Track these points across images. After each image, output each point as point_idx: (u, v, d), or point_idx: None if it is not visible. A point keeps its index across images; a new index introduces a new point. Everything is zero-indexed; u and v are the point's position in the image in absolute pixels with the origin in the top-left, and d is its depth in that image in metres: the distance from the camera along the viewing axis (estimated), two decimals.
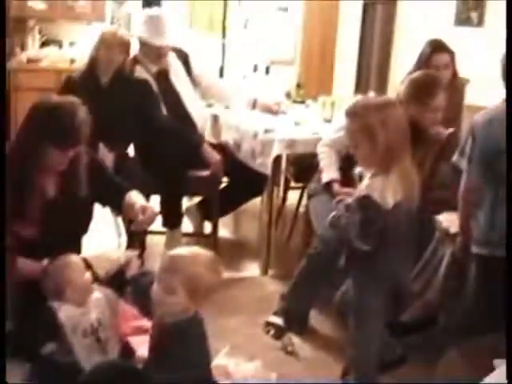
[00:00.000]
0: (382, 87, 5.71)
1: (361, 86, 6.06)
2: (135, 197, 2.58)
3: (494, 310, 2.47)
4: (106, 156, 3.51)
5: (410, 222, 2.43)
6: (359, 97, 2.77)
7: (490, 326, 2.33)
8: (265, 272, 3.89)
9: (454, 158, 2.61)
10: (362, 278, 2.49)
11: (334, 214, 2.45)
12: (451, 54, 3.75)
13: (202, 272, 1.96)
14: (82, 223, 2.59)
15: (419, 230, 3.05)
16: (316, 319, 3.29)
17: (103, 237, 4.00)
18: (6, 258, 2.08)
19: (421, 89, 3.06)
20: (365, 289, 2.48)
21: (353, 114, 2.39)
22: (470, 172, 2.57)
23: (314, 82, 6.29)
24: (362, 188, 2.36)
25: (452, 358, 2.33)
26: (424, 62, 3.69)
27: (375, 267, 2.43)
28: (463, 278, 2.81)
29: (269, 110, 4.22)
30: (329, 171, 3.25)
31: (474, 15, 4.82)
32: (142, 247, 3.61)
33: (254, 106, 4.24)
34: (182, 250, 2.06)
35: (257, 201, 4.24)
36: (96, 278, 2.37)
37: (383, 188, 2.29)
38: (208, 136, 4.32)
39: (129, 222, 2.77)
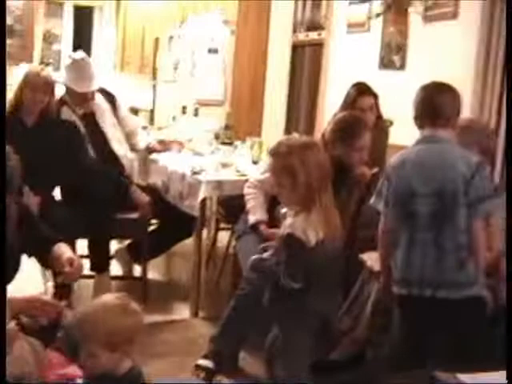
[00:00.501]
0: (310, 128, 5.82)
1: (290, 127, 6.16)
2: (63, 248, 2.54)
3: (416, 347, 2.53)
4: (31, 199, 3.45)
5: (336, 260, 2.48)
6: (283, 137, 2.87)
7: (413, 363, 2.37)
8: (195, 314, 3.87)
9: (372, 199, 2.66)
10: (288, 317, 2.51)
11: (255, 257, 2.52)
12: (375, 96, 3.88)
13: (114, 321, 1.86)
14: (8, 273, 2.52)
15: (346, 268, 3.13)
16: (246, 360, 3.29)
17: (29, 283, 3.91)
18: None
19: (345, 129, 3.16)
20: (291, 328, 2.50)
21: (276, 153, 2.49)
22: (386, 214, 2.62)
23: (243, 123, 6.37)
24: (285, 227, 2.43)
25: None
26: (349, 104, 3.80)
27: (301, 306, 2.45)
28: (389, 315, 2.87)
29: (168, 149, 4.27)
30: (255, 212, 3.28)
31: (396, 59, 4.98)
32: (68, 293, 3.54)
33: (149, 150, 4.29)
34: (87, 309, 1.93)
35: (189, 242, 4.25)
36: (22, 327, 2.30)
37: (305, 226, 2.36)
38: (136, 178, 4.31)
39: (56, 274, 2.71)
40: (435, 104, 2.55)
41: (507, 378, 1.82)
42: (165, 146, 4.32)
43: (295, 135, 2.89)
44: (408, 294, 2.53)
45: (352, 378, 2.94)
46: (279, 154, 2.47)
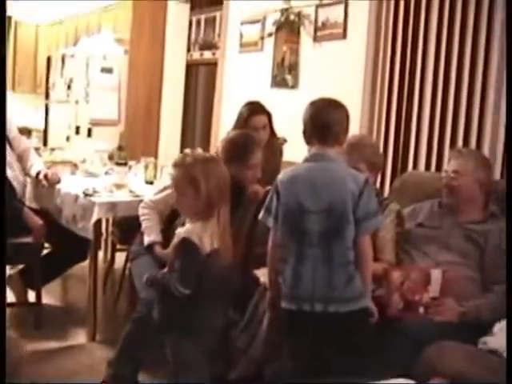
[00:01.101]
0: (206, 147, 5.84)
1: (186, 147, 6.16)
2: None
3: (309, 361, 2.59)
4: None
5: (227, 274, 2.50)
6: (187, 150, 2.90)
7: (309, 378, 2.41)
8: (92, 338, 3.79)
9: (261, 215, 2.68)
10: (178, 328, 2.51)
11: (148, 274, 2.54)
12: (268, 115, 3.93)
13: None
14: None
15: (242, 285, 3.15)
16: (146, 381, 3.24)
17: None
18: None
19: (237, 148, 3.19)
20: (180, 341, 2.50)
21: (180, 164, 2.57)
22: (275, 229, 2.64)
23: (139, 143, 6.33)
24: (181, 232, 2.49)
25: None
26: (242, 123, 3.83)
27: (191, 316, 2.47)
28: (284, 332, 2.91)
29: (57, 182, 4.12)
30: (150, 233, 3.26)
31: (289, 78, 5.09)
32: None
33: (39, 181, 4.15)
34: None
35: (85, 265, 4.16)
36: None
37: (201, 232, 2.43)
38: (28, 201, 4.19)
39: None
40: (323, 121, 2.57)
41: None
42: (53, 179, 4.12)
43: (199, 149, 2.92)
44: (298, 310, 2.55)
45: None
46: (184, 165, 2.55)
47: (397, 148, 4.15)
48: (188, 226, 2.53)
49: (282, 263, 2.60)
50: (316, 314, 2.53)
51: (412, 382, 2.20)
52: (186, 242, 2.46)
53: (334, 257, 2.50)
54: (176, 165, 2.60)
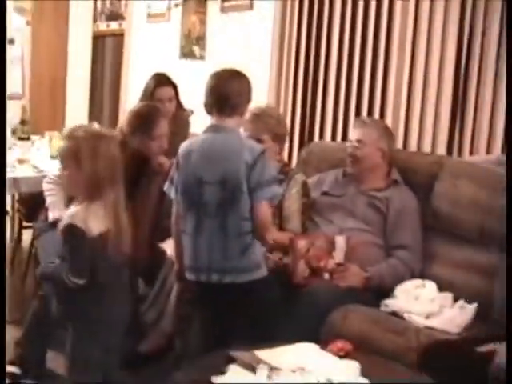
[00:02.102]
0: (114, 120, 5.76)
1: (94, 120, 6.04)
2: None
3: (216, 332, 2.64)
4: None
5: (123, 255, 2.41)
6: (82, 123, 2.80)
7: (218, 348, 2.43)
8: None
9: (165, 186, 2.70)
10: (76, 327, 2.40)
11: (42, 265, 2.44)
12: (174, 86, 3.90)
13: None
14: None
15: (150, 259, 3.15)
16: (56, 361, 3.20)
17: None
18: None
19: (141, 119, 3.17)
20: (80, 340, 2.39)
21: (69, 136, 2.38)
22: (177, 201, 2.66)
23: (44, 117, 6.16)
24: (65, 217, 2.33)
25: None
26: (148, 95, 3.79)
27: (90, 313, 2.37)
28: (193, 303, 2.93)
29: None
30: (54, 209, 3.21)
31: (196, 49, 5.07)
32: None
33: None
34: None
35: None
36: None
37: (86, 216, 2.28)
38: None
39: None
40: (222, 92, 2.58)
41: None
42: None
43: (95, 124, 2.82)
44: (196, 280, 2.59)
45: (160, 370, 2.96)
46: (72, 137, 2.36)
47: (304, 119, 4.20)
48: (72, 209, 2.35)
49: (184, 235, 2.61)
50: (214, 285, 2.56)
51: (315, 345, 2.27)
52: (69, 227, 2.28)
53: (229, 227, 2.53)
54: (65, 136, 2.40)
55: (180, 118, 3.89)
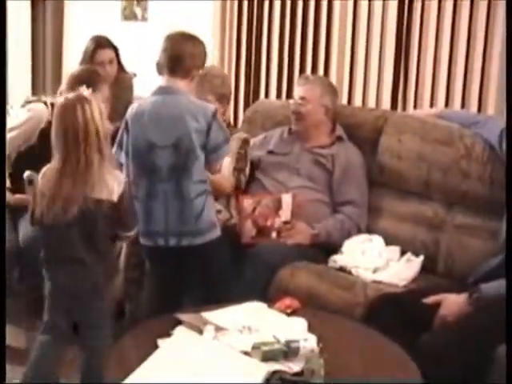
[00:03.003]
0: (57, 85, 5.61)
1: (37, 86, 5.89)
2: None
3: (171, 295, 2.63)
4: None
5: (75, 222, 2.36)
6: None
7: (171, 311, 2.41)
8: None
9: (113, 150, 2.63)
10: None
11: None
12: (115, 48, 3.80)
13: None
14: None
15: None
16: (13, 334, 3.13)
17: None
18: None
19: (80, 83, 3.04)
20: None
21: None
22: (128, 165, 2.60)
23: None
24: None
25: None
26: (88, 58, 3.69)
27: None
28: (142, 267, 2.90)
29: None
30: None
31: (138, 10, 4.94)
32: None
33: None
34: None
35: None
36: None
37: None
38: None
39: None
40: (175, 53, 2.56)
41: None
42: None
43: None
44: (154, 245, 2.57)
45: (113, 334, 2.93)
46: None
47: (248, 78, 4.15)
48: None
49: (136, 201, 2.56)
50: (171, 248, 2.55)
51: (263, 304, 2.26)
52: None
53: (183, 191, 2.50)
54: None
55: (122, 82, 3.80)
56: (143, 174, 2.54)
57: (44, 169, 2.34)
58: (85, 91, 2.35)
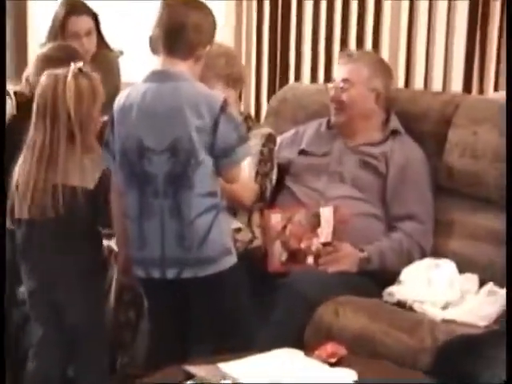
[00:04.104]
0: (21, 66, 5.66)
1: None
2: None
3: (174, 338, 2.67)
4: None
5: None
6: None
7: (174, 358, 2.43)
8: None
9: (101, 153, 2.64)
10: None
11: None
12: (94, 16, 3.78)
13: None
14: None
15: None
16: None
17: None
18: None
19: (52, 66, 3.10)
20: None
21: None
22: (115, 172, 2.61)
23: None
24: None
25: None
26: (59, 29, 3.68)
27: None
28: (138, 306, 2.94)
29: None
30: None
31: None
32: None
33: None
34: None
35: None
36: None
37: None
38: None
39: None
40: (175, 22, 2.53)
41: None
42: None
43: None
44: (147, 277, 2.58)
45: None
46: None
47: (273, 56, 4.17)
48: None
49: (127, 218, 2.59)
50: (171, 282, 2.55)
51: (299, 351, 2.28)
52: None
53: (183, 207, 2.49)
54: None
55: (104, 61, 3.76)
56: (134, 186, 2.54)
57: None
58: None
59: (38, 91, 2.60)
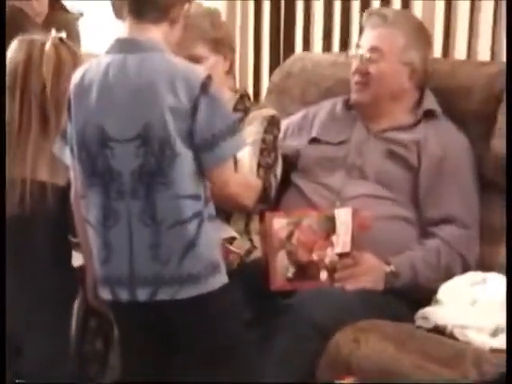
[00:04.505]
0: None
1: None
2: None
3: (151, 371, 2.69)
4: None
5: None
6: None
7: None
8: None
9: (55, 145, 2.64)
10: None
11: None
12: None
13: None
14: None
15: None
16: None
17: None
18: None
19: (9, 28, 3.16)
20: None
21: None
22: (74, 168, 2.60)
23: None
24: None
25: None
26: None
27: None
28: (108, 335, 2.99)
29: None
30: None
31: None
32: None
33: None
34: None
35: None
36: None
37: None
38: None
39: None
40: None
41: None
42: None
43: None
44: (114, 300, 2.58)
45: None
46: None
47: (276, 19, 4.17)
48: None
49: (88, 225, 2.59)
50: (143, 306, 2.53)
51: None
52: None
53: (157, 212, 2.48)
54: None
55: (60, 24, 3.80)
56: (95, 185, 2.52)
57: None
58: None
59: (7, 60, 2.59)
